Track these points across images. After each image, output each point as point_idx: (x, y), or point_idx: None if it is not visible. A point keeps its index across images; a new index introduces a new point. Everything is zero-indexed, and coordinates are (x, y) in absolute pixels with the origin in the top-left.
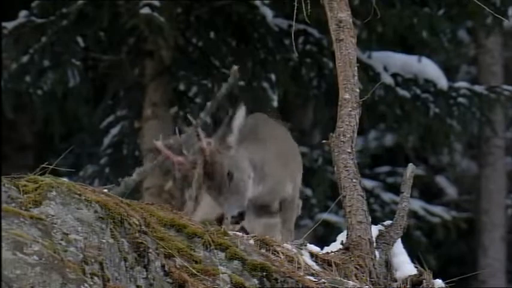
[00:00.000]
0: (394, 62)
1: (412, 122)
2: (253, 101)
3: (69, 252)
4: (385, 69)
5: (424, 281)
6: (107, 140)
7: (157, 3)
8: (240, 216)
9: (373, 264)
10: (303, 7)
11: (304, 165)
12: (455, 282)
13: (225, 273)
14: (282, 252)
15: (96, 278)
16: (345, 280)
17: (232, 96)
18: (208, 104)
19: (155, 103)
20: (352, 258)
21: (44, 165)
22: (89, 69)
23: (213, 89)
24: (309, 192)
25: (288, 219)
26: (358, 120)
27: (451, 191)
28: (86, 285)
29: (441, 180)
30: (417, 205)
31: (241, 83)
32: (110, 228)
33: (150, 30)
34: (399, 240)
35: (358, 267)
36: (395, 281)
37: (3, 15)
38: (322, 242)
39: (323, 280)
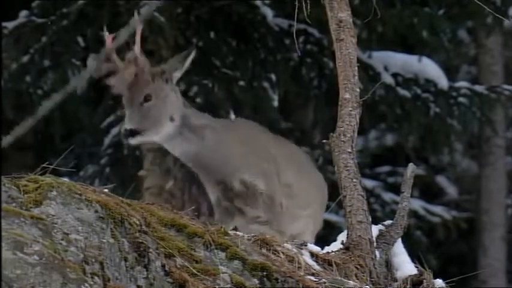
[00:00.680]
0: (394, 61)
1: (412, 121)
2: (253, 101)
3: (69, 252)
4: (386, 69)
5: (424, 280)
6: (107, 140)
7: (157, 3)
8: (132, 135)
9: (374, 264)
10: (304, 7)
11: None
12: (455, 282)
13: (226, 273)
14: (283, 252)
15: (96, 277)
16: (345, 280)
17: (232, 96)
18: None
19: None
20: (352, 258)
21: (44, 165)
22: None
23: (213, 89)
24: None
25: (273, 219)
26: (358, 120)
27: (451, 191)
28: (86, 285)
29: (441, 180)
30: (417, 205)
31: (242, 83)
32: (111, 228)
33: (150, 30)
34: (399, 240)
35: (358, 267)
36: (396, 280)
37: (3, 15)
38: (323, 241)
39: (323, 280)
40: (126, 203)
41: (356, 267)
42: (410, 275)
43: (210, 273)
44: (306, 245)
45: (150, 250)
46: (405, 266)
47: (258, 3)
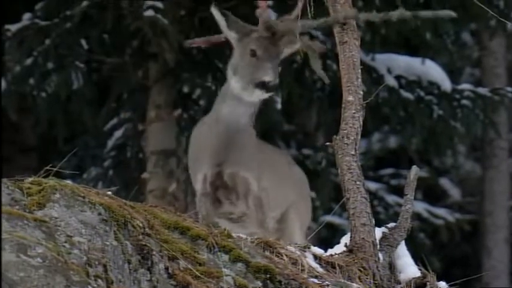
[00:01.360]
0: (397, 64)
1: (415, 124)
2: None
3: (72, 254)
4: (389, 71)
5: (427, 283)
6: (110, 143)
7: (161, 5)
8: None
9: (377, 267)
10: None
11: (307, 168)
12: (459, 284)
13: (229, 275)
14: (286, 255)
15: (99, 280)
16: (349, 282)
17: None
18: None
19: (159, 105)
20: (355, 261)
21: (47, 168)
22: (92, 72)
23: (216, 91)
24: (312, 194)
25: (261, 219)
26: (361, 123)
27: (454, 193)
28: (89, 287)
29: (445, 182)
30: (421, 207)
31: None
32: (114, 231)
33: (154, 33)
34: (403, 242)
35: (361, 269)
36: (399, 283)
37: (6, 17)
38: (326, 244)
39: (327, 282)
40: (130, 205)
41: (359, 270)
42: (413, 278)
43: (213, 275)
44: (309, 248)
45: (154, 252)
46: (409, 268)
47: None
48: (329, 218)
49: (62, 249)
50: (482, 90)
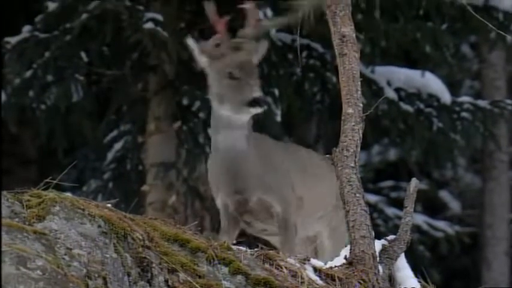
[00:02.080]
0: (397, 76)
1: (415, 136)
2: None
3: (72, 267)
4: (389, 83)
5: None
6: (110, 155)
7: (160, 18)
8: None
9: (377, 279)
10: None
11: None
12: None
13: (229, 287)
14: (286, 267)
15: None
16: None
17: None
18: None
19: (158, 117)
20: (355, 273)
21: (47, 180)
22: (92, 84)
23: None
24: None
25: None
26: (361, 135)
27: (454, 206)
28: None
29: (445, 194)
30: (421, 219)
31: None
32: (114, 243)
33: (153, 45)
34: (403, 254)
35: (361, 281)
36: None
37: (6, 30)
38: None
39: None
40: (129, 217)
41: (359, 282)
42: None
43: None
44: (309, 260)
45: (153, 265)
46: (408, 280)
47: (261, 17)
48: None
49: (62, 262)
50: (482, 103)
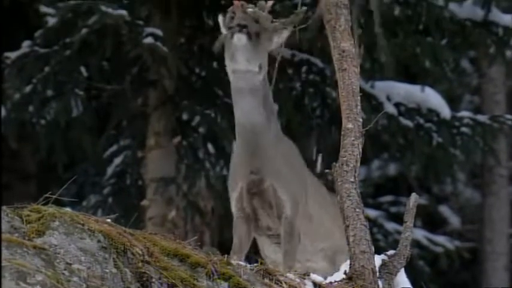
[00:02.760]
0: (397, 91)
1: (415, 151)
2: None
3: (72, 282)
4: (388, 98)
5: None
6: (110, 170)
7: (160, 32)
8: (242, 27)
9: None
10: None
11: None
12: None
13: None
14: (285, 282)
15: None
16: None
17: None
18: None
19: (158, 132)
20: None
21: (47, 195)
22: (92, 99)
23: (216, 119)
24: None
25: (288, 251)
26: (361, 150)
27: (454, 220)
28: None
29: (444, 209)
30: (420, 234)
31: None
32: (113, 258)
33: (153, 60)
34: (402, 269)
35: None
36: None
37: (6, 45)
38: None
39: None
40: (129, 232)
41: None
42: None
43: None
44: (308, 275)
45: (153, 280)
46: None
47: None
48: None
49: (62, 277)
50: (481, 118)
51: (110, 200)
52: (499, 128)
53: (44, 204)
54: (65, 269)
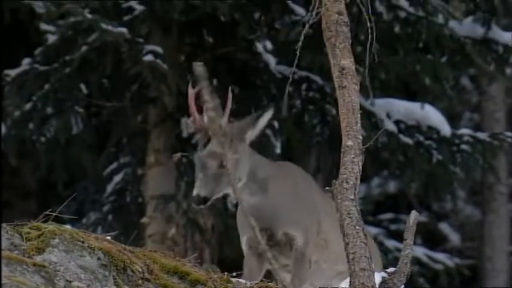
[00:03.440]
0: (397, 108)
1: (415, 168)
2: (256, 148)
3: None
4: (388, 116)
5: None
6: (110, 187)
7: (160, 50)
8: (204, 202)
9: None
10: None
11: None
12: None
13: None
14: None
15: None
16: None
17: None
18: None
19: (158, 150)
20: None
21: (47, 213)
22: (92, 116)
23: None
24: None
25: (297, 271)
26: (361, 167)
27: (454, 238)
28: None
29: (444, 227)
30: (420, 252)
31: None
32: (113, 276)
33: (153, 77)
34: (403, 287)
35: None
36: None
37: (6, 62)
38: None
39: None
40: (129, 250)
41: None
42: None
43: None
44: None
45: None
46: None
47: (261, 50)
48: None
49: None
50: (481, 135)
51: (110, 217)
52: (499, 145)
53: (44, 222)
54: (64, 287)
